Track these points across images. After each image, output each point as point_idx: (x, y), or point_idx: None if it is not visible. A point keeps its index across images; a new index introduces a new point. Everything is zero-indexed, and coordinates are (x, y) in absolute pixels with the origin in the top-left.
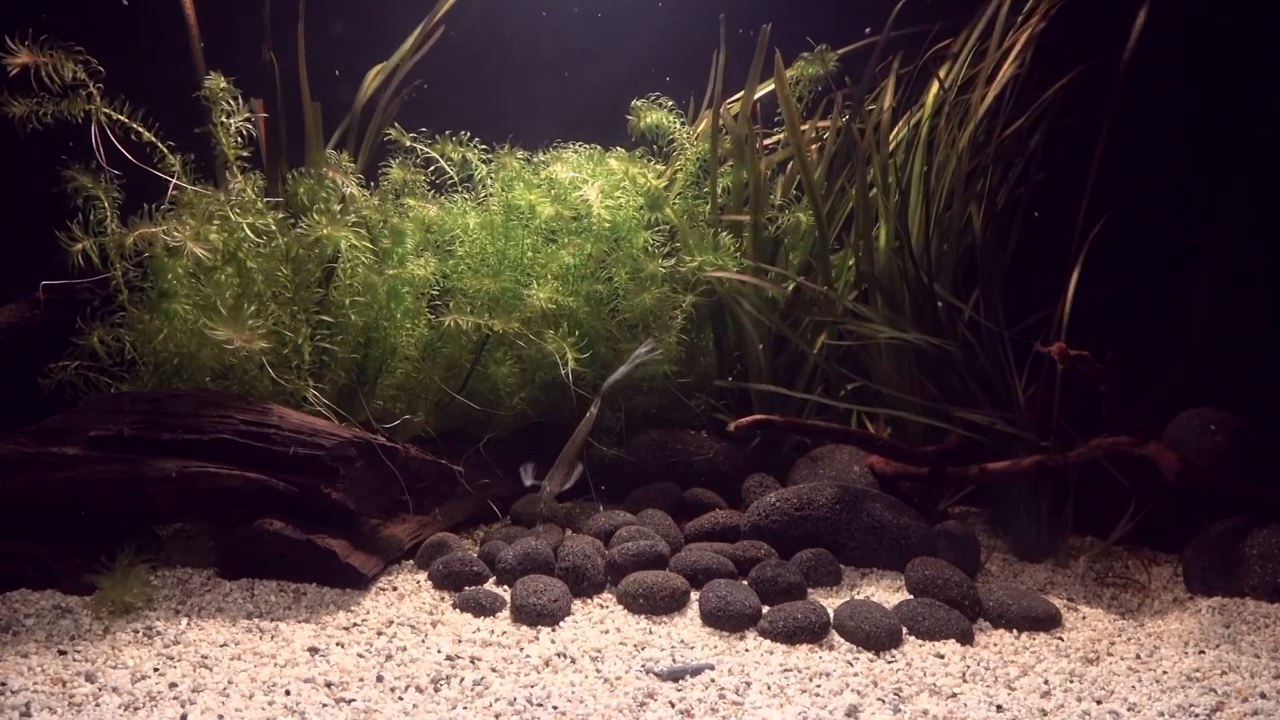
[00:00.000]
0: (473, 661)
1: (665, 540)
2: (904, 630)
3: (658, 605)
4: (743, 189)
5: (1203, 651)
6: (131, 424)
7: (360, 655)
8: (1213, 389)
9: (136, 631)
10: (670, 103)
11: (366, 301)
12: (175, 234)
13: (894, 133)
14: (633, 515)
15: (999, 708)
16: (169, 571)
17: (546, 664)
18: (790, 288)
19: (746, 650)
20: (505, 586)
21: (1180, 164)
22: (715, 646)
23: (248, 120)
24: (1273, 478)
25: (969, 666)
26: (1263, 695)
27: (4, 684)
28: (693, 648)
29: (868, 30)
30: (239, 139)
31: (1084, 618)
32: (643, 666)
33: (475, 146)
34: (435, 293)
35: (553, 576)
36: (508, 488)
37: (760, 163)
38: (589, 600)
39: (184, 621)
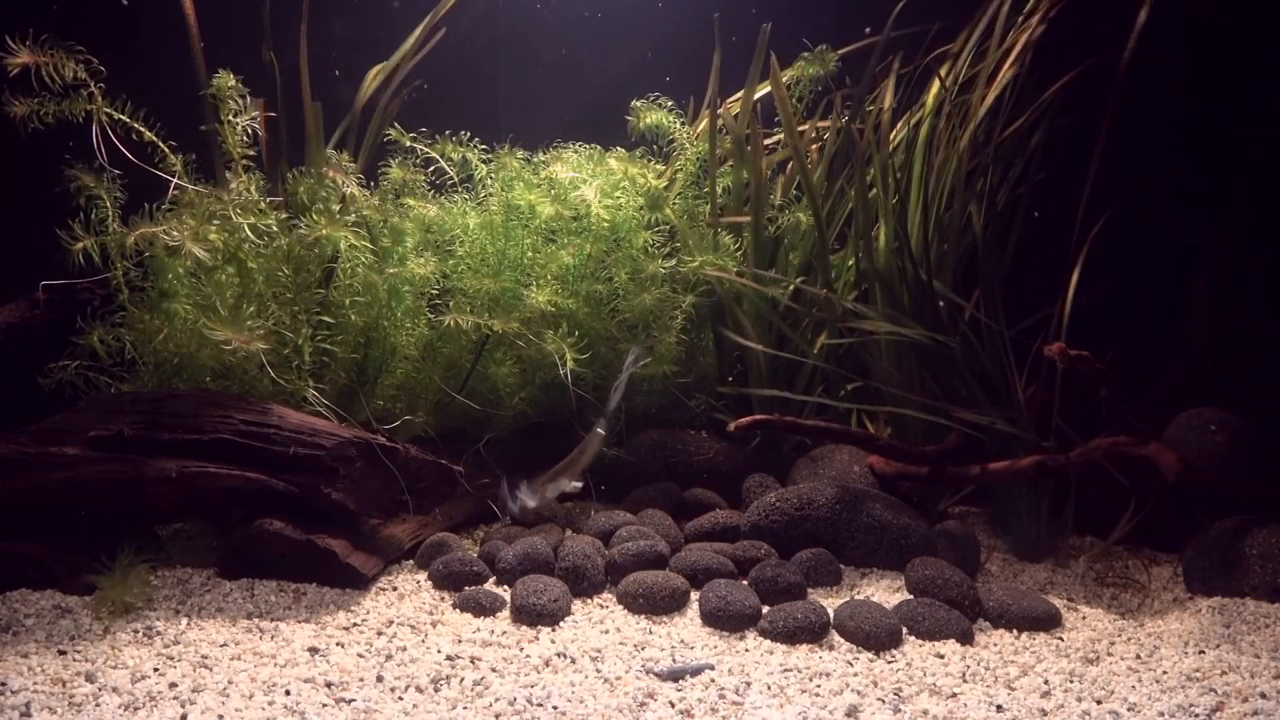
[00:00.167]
0: (473, 661)
1: (665, 540)
2: (904, 630)
3: (658, 605)
4: (743, 189)
5: (1203, 651)
6: (131, 424)
7: (360, 655)
8: (1213, 389)
9: (136, 631)
10: (670, 103)
11: (366, 301)
12: (175, 234)
13: (894, 133)
14: (633, 515)
15: (999, 708)
16: (169, 571)
17: (546, 664)
18: (789, 289)
19: (746, 650)
20: (505, 586)
21: (1180, 164)
22: (715, 646)
23: (253, 119)
24: (1273, 478)
25: (969, 666)
26: (1263, 695)
27: (4, 684)
28: (693, 648)
29: (868, 30)
30: (245, 138)
31: (1084, 618)
32: (643, 666)
33: (475, 146)
34: (435, 293)
35: (553, 576)
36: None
37: (761, 162)
38: (589, 600)
39: (184, 621)
